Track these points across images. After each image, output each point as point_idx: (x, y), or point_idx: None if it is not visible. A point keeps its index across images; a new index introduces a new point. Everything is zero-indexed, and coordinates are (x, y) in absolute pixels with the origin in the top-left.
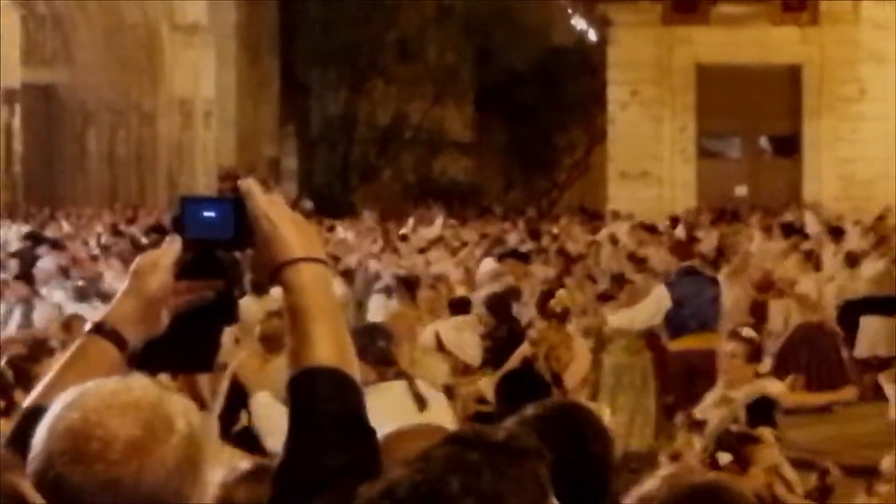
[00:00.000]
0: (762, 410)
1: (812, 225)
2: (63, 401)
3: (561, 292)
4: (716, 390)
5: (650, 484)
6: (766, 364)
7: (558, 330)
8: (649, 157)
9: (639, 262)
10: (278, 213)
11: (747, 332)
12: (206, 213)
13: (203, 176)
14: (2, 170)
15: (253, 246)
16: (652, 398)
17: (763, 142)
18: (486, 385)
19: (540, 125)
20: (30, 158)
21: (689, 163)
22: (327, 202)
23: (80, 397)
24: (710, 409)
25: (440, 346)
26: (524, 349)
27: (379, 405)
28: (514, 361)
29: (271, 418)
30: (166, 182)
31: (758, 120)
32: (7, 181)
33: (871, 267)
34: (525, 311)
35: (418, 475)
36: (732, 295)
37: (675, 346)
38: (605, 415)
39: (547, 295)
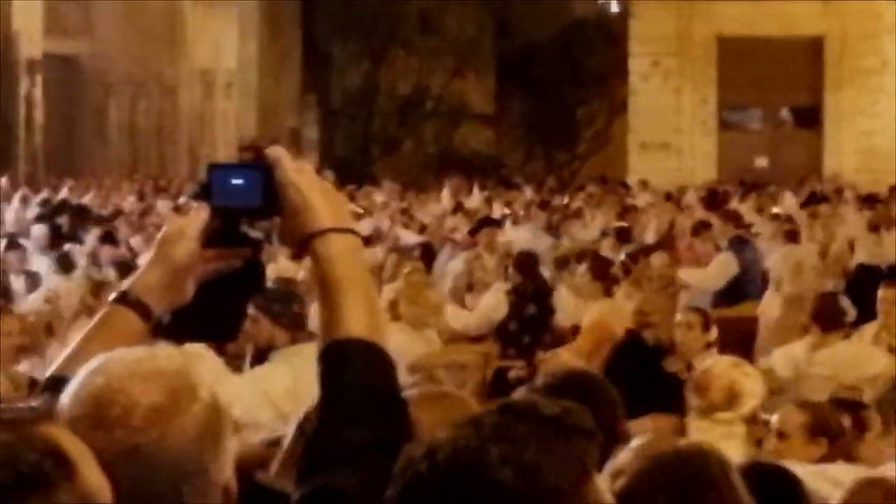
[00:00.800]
0: None
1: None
2: (88, 368)
3: None
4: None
5: (622, 457)
6: None
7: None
8: (670, 128)
9: (704, 226)
10: (307, 182)
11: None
12: (234, 181)
13: (224, 147)
14: (22, 140)
15: (281, 214)
16: None
17: (784, 114)
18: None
19: (560, 97)
20: (50, 129)
21: (709, 135)
22: (348, 173)
23: (104, 364)
24: None
25: None
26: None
27: (297, 366)
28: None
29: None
30: (187, 153)
31: (778, 92)
32: (28, 151)
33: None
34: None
35: (461, 440)
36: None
37: (730, 312)
38: None
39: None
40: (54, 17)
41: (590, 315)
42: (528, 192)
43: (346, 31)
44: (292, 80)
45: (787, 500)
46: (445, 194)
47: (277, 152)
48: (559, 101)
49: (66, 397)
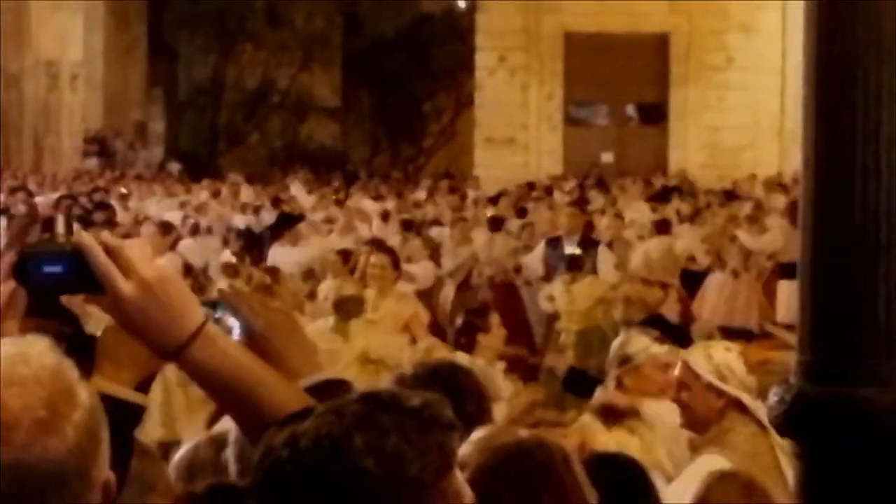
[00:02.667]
0: None
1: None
2: None
3: None
4: None
5: (463, 449)
6: None
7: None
8: (516, 123)
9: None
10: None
11: None
12: (48, 267)
13: (69, 138)
14: None
15: (100, 291)
16: None
17: (630, 109)
18: None
19: (407, 91)
20: None
21: (555, 130)
22: (194, 165)
23: None
24: None
25: None
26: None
27: None
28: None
29: None
30: (32, 145)
31: (625, 88)
32: None
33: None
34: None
35: (324, 427)
36: None
37: None
38: None
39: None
40: None
41: None
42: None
43: (193, 23)
44: (138, 72)
45: (633, 488)
46: (297, 188)
47: (87, 240)
48: (406, 96)
49: None
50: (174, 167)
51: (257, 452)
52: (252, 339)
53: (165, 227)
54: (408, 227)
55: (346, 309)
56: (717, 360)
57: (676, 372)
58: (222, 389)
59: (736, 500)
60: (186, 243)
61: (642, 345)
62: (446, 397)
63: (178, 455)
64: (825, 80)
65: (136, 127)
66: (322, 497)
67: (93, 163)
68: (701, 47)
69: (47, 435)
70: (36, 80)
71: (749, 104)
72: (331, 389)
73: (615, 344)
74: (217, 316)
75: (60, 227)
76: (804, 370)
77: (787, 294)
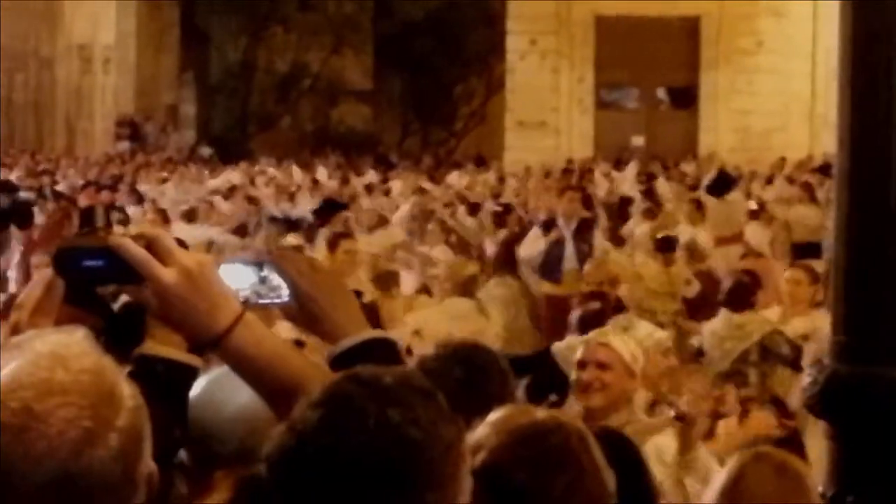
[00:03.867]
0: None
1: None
2: None
3: None
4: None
5: (480, 431)
6: None
7: None
8: (547, 107)
9: None
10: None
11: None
12: (88, 262)
13: (101, 122)
14: None
15: (136, 282)
16: None
17: (660, 93)
18: None
19: (438, 75)
20: None
21: (586, 113)
22: (225, 149)
23: (13, 377)
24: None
25: None
26: None
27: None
28: None
29: None
30: (64, 128)
31: (655, 71)
32: None
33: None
34: None
35: (352, 411)
36: None
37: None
38: None
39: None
40: None
41: None
42: None
43: (225, 7)
44: (170, 56)
45: (629, 464)
46: (321, 173)
47: (124, 243)
48: (437, 79)
49: None
50: (205, 151)
51: (278, 443)
52: (298, 300)
53: (164, 215)
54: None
55: (469, 290)
56: (633, 344)
57: (599, 354)
58: (261, 377)
59: (769, 480)
60: (181, 227)
61: (647, 330)
62: (468, 377)
63: None
64: (859, 63)
65: (168, 110)
66: (379, 474)
67: (124, 146)
68: (731, 31)
69: (93, 445)
70: (68, 63)
71: (779, 88)
72: (376, 348)
73: (644, 332)
74: (263, 275)
75: (100, 219)
76: (838, 350)
77: None
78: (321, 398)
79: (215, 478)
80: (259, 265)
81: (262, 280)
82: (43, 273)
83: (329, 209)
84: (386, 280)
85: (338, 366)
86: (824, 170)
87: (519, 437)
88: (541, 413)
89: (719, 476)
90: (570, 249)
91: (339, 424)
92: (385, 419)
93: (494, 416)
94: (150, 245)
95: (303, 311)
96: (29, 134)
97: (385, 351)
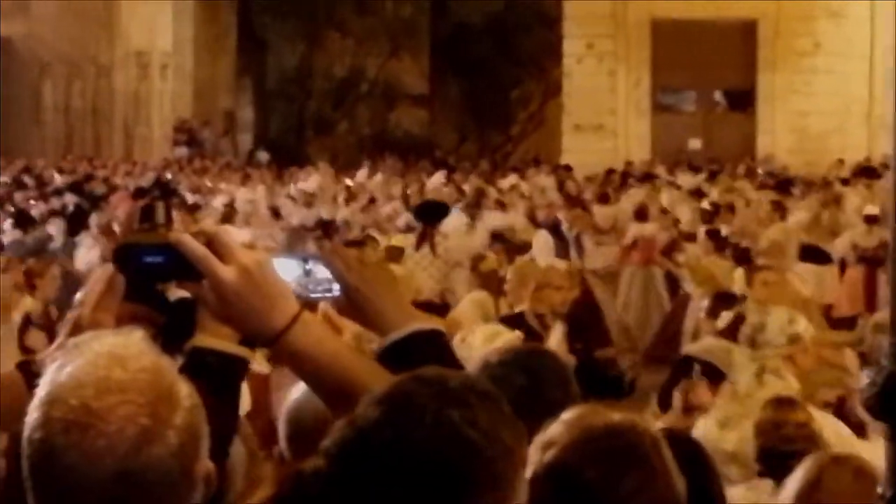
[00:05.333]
0: None
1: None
2: (54, 380)
3: None
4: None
5: (553, 429)
6: None
7: None
8: (604, 110)
9: None
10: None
11: None
12: (148, 258)
13: (159, 128)
14: None
15: (200, 278)
16: None
17: (717, 95)
18: None
19: (495, 78)
20: None
21: (643, 116)
22: (283, 154)
23: (73, 377)
24: None
25: None
26: None
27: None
28: None
29: None
30: (122, 134)
31: (712, 74)
32: None
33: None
34: None
35: (413, 409)
36: None
37: None
38: None
39: None
40: None
41: None
42: None
43: (281, 12)
44: (227, 61)
45: (695, 465)
46: (361, 174)
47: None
48: (493, 83)
49: (38, 411)
50: (263, 156)
51: (338, 438)
52: (347, 294)
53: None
54: None
55: None
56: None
57: None
58: (318, 375)
59: (847, 484)
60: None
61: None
62: (530, 382)
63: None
64: None
65: (225, 116)
66: (435, 473)
67: (182, 152)
68: (788, 33)
69: (151, 443)
70: (126, 70)
71: (837, 89)
72: (424, 340)
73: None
74: (307, 268)
75: (160, 215)
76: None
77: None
78: (383, 395)
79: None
80: (304, 259)
81: (307, 273)
82: (104, 269)
83: (433, 213)
84: None
85: (386, 358)
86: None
87: (591, 436)
88: (615, 414)
89: (795, 477)
90: None
91: (398, 421)
92: (444, 418)
93: (568, 414)
94: (210, 242)
95: (352, 305)
96: (87, 140)
97: (433, 343)
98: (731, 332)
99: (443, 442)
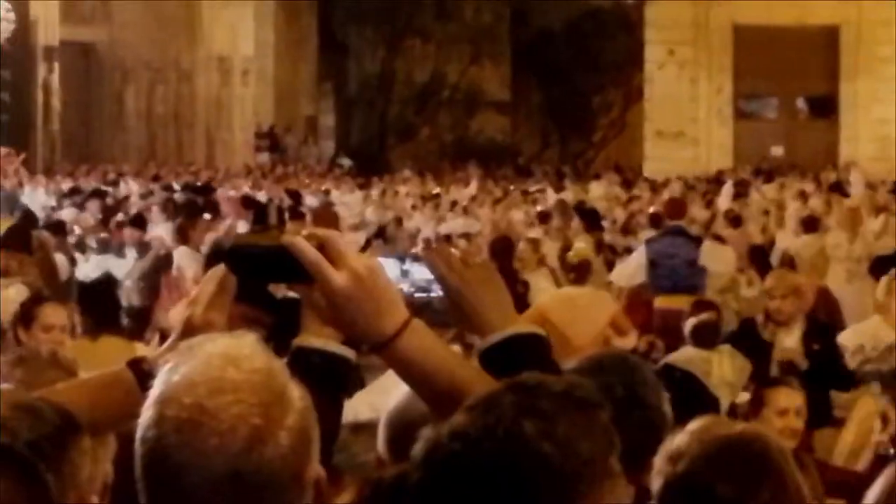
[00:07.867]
0: None
1: (856, 184)
2: (168, 380)
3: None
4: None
5: (680, 439)
6: None
7: None
8: (686, 117)
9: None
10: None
11: None
12: (261, 261)
13: (240, 133)
14: (40, 127)
15: (308, 282)
16: None
17: (800, 103)
18: None
19: (576, 85)
20: (68, 116)
21: (725, 123)
22: (364, 160)
23: (187, 377)
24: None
25: None
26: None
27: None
28: None
29: None
30: (204, 139)
31: (794, 81)
32: (45, 138)
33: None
34: None
35: (490, 418)
36: None
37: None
38: None
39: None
40: (72, 5)
41: None
42: None
43: (362, 18)
44: (309, 67)
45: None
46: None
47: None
48: (575, 89)
49: (151, 411)
50: (345, 162)
51: (423, 444)
52: (448, 295)
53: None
54: None
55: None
56: None
57: None
58: (425, 382)
59: None
60: None
61: None
62: (626, 388)
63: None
64: None
65: (307, 122)
66: (504, 485)
67: (264, 158)
68: (871, 39)
69: (263, 443)
70: (208, 75)
71: None
72: (524, 343)
73: None
74: (404, 268)
75: (273, 217)
76: None
77: None
78: (473, 403)
79: (345, 480)
80: (402, 259)
81: (405, 273)
82: (216, 269)
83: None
84: None
85: (486, 361)
86: None
87: (722, 448)
88: (740, 424)
89: (874, 489)
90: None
91: (474, 430)
92: (518, 430)
93: (694, 425)
94: (323, 246)
95: (453, 307)
96: (169, 145)
97: (533, 346)
98: None
99: (512, 455)
